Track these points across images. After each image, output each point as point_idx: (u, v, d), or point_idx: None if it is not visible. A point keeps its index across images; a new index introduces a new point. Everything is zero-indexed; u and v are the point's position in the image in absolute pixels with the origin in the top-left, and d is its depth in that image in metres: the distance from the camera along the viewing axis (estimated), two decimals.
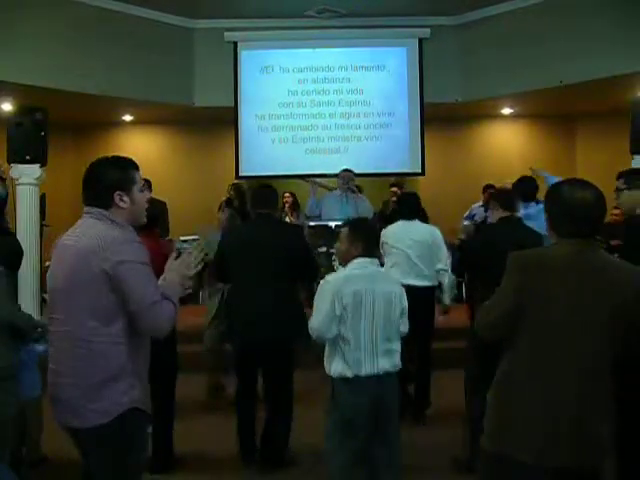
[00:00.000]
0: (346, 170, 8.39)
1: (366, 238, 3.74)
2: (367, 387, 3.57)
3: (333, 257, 7.29)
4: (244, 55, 10.55)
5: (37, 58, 8.62)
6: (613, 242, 8.10)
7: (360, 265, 3.68)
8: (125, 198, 2.75)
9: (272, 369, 4.63)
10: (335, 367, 3.63)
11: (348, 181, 8.22)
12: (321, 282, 3.71)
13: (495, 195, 5.08)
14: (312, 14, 10.08)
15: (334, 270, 7.20)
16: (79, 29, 9.10)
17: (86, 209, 2.76)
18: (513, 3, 9.71)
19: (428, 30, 10.43)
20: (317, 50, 10.64)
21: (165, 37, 10.12)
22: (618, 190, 4.25)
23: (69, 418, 2.66)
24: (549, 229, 2.62)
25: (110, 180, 2.74)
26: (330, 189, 9.03)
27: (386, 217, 9.39)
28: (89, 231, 2.67)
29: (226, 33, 10.38)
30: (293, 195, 9.97)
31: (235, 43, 10.47)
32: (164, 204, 8.91)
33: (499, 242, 4.25)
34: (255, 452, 4.67)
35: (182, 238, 9.15)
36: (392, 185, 9.93)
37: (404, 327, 3.79)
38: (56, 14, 8.85)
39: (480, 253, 4.55)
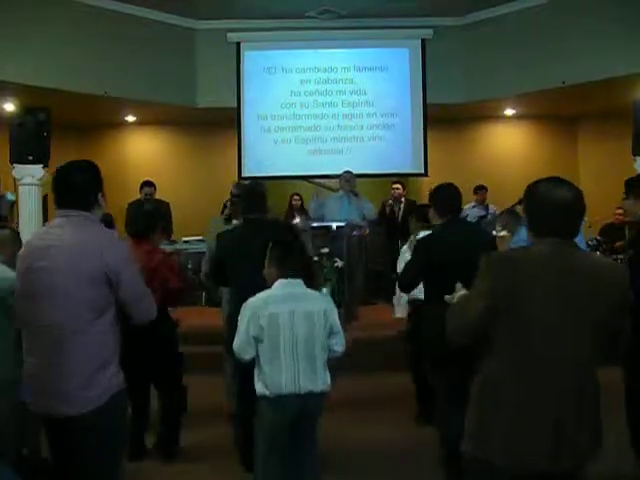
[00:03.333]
0: (347, 171, 8.41)
1: (283, 259, 3.75)
2: (287, 406, 3.60)
3: (334, 258, 7.30)
4: (247, 56, 10.55)
5: (40, 58, 8.65)
6: (617, 244, 8.13)
7: (281, 286, 3.71)
8: (102, 198, 2.96)
9: None
10: (257, 386, 3.68)
11: (349, 181, 8.24)
12: (244, 304, 3.71)
13: None
14: (314, 15, 10.09)
15: (335, 270, 7.25)
16: (82, 30, 9.13)
17: (65, 212, 2.87)
18: (515, 4, 9.73)
19: (431, 31, 10.45)
20: (320, 51, 10.64)
21: (168, 38, 10.14)
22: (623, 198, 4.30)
23: (62, 408, 2.77)
24: (528, 229, 2.55)
25: (94, 183, 2.94)
26: (334, 190, 9.05)
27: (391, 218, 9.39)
28: (82, 232, 2.83)
29: (229, 34, 10.39)
30: (301, 197, 9.99)
31: (238, 44, 10.48)
32: (168, 205, 8.97)
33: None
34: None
35: (185, 239, 9.22)
36: (395, 182, 9.91)
37: (338, 346, 3.76)
38: (59, 14, 8.87)
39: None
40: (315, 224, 7.89)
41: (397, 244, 9.35)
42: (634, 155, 7.53)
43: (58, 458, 2.94)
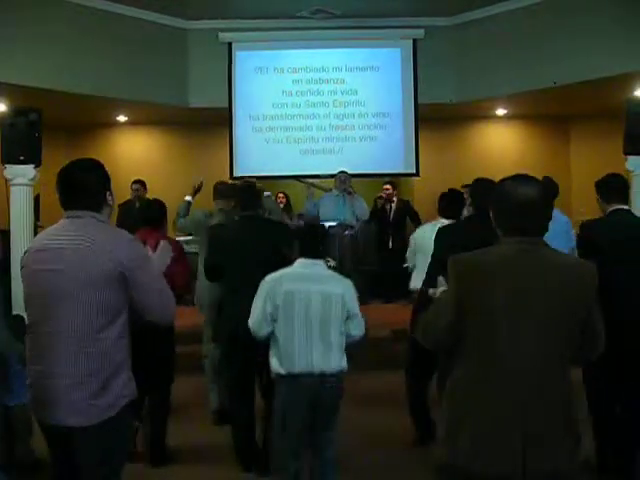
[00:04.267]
0: (342, 172, 8.43)
1: (304, 239, 3.82)
2: (300, 385, 3.64)
3: (327, 258, 7.30)
4: (238, 56, 10.55)
5: (31, 59, 8.61)
6: None
7: (301, 265, 3.76)
8: (110, 197, 2.86)
9: (264, 372, 4.49)
10: (272, 364, 3.73)
11: (344, 181, 8.27)
12: (262, 281, 3.77)
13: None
14: (305, 15, 10.09)
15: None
16: (73, 30, 9.10)
17: (73, 213, 2.77)
18: (506, 4, 9.75)
19: (422, 31, 10.45)
20: (311, 51, 10.64)
21: (160, 38, 10.12)
22: None
23: (70, 418, 2.64)
24: (495, 227, 2.52)
25: (102, 181, 2.83)
26: (325, 190, 9.06)
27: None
28: (92, 233, 2.71)
29: (220, 34, 10.38)
30: (286, 196, 9.97)
31: (229, 44, 10.47)
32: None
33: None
34: (254, 458, 4.59)
35: (177, 238, 9.19)
36: (385, 183, 9.93)
37: (355, 330, 3.78)
38: (50, 15, 8.84)
39: None
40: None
41: (388, 243, 9.41)
42: (625, 154, 7.55)
43: (61, 467, 2.82)
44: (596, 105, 10.29)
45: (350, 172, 8.64)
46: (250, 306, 4.39)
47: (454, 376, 2.50)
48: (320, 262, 3.80)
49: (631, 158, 7.57)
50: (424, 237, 5.34)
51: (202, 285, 5.65)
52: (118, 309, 2.70)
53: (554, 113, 11.50)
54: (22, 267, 2.82)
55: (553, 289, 2.36)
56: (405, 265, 5.64)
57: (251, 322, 3.74)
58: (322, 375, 3.64)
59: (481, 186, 4.36)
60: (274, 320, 3.67)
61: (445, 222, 5.07)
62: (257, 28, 10.36)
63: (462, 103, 10.61)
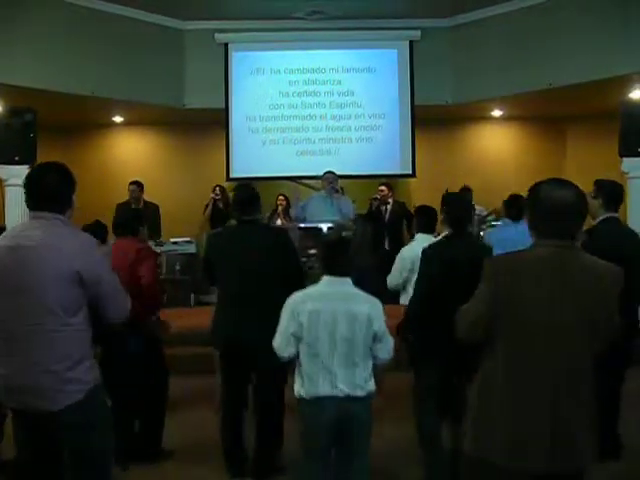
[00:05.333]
0: (329, 172, 8.40)
1: (330, 257, 3.61)
2: (324, 409, 3.47)
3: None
4: (235, 57, 10.56)
5: (27, 59, 8.60)
6: None
7: (326, 283, 3.57)
8: (75, 200, 3.04)
9: (258, 375, 4.49)
10: (295, 386, 3.57)
11: (332, 182, 8.23)
12: (287, 300, 3.58)
13: None
14: (302, 16, 10.08)
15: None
16: (69, 30, 9.09)
17: (39, 213, 2.92)
18: (502, 6, 9.76)
19: (419, 32, 10.47)
20: (308, 52, 10.65)
21: (156, 39, 10.12)
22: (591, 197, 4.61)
23: (40, 403, 2.85)
24: (530, 229, 2.59)
25: (68, 185, 3.00)
26: (317, 189, 9.04)
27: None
28: (57, 234, 2.90)
29: (217, 35, 10.39)
30: (287, 198, 9.93)
31: (226, 45, 10.49)
32: (157, 208, 9.01)
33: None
34: (242, 463, 4.54)
35: (172, 240, 9.20)
36: (381, 184, 9.91)
37: (382, 353, 3.55)
38: (46, 15, 8.83)
39: None
40: (303, 225, 7.87)
41: (384, 244, 9.39)
42: (621, 156, 7.57)
43: (41, 457, 2.99)
44: (592, 107, 10.29)
45: (346, 173, 8.63)
46: (242, 318, 4.35)
47: (484, 373, 2.58)
48: (347, 280, 3.58)
49: (626, 160, 7.59)
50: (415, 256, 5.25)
51: None
52: (79, 305, 2.90)
53: (550, 114, 11.50)
54: None
55: (584, 291, 2.44)
56: (394, 284, 5.45)
57: (275, 343, 3.55)
58: (347, 399, 3.46)
59: (455, 201, 4.35)
60: (298, 340, 3.49)
61: (423, 237, 5.16)
62: (253, 29, 10.37)
63: (458, 104, 10.61)
